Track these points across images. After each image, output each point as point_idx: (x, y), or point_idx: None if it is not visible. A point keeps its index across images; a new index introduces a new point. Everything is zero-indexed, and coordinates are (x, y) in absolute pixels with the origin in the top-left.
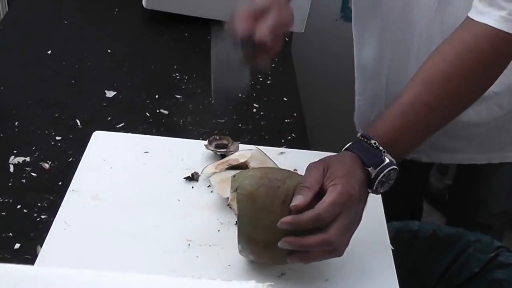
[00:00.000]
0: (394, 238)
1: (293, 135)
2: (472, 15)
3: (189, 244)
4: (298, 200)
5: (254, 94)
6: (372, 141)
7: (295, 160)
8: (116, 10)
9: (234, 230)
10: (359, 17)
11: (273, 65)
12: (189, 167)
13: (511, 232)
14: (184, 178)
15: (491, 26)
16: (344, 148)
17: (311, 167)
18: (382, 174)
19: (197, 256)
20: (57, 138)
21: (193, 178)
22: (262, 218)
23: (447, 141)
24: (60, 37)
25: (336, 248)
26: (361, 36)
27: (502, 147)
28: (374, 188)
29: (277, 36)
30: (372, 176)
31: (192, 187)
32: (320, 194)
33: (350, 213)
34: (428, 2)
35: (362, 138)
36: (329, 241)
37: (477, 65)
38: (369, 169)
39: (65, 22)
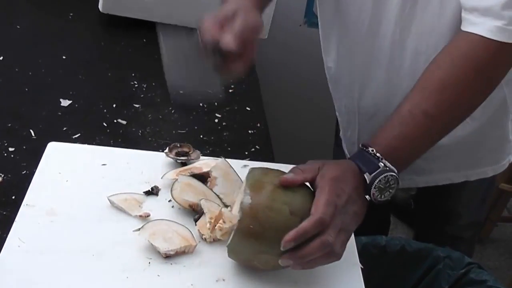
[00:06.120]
0: (361, 253)
1: (257, 146)
2: (465, 27)
3: (149, 262)
4: (288, 175)
5: (216, 104)
6: (370, 149)
7: None
8: (71, 14)
9: (197, 248)
10: (325, 30)
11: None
12: (148, 180)
13: (481, 245)
14: (144, 192)
15: (485, 37)
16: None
17: (309, 162)
18: (377, 180)
19: (158, 275)
20: (10, 149)
21: (153, 192)
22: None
23: (424, 163)
24: (12, 42)
25: (334, 250)
26: (329, 51)
27: (478, 163)
28: (371, 194)
29: (248, 42)
30: (368, 182)
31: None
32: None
33: (342, 212)
34: (396, 12)
35: (362, 147)
36: (328, 243)
37: (473, 71)
38: (364, 175)
39: (18, 26)
